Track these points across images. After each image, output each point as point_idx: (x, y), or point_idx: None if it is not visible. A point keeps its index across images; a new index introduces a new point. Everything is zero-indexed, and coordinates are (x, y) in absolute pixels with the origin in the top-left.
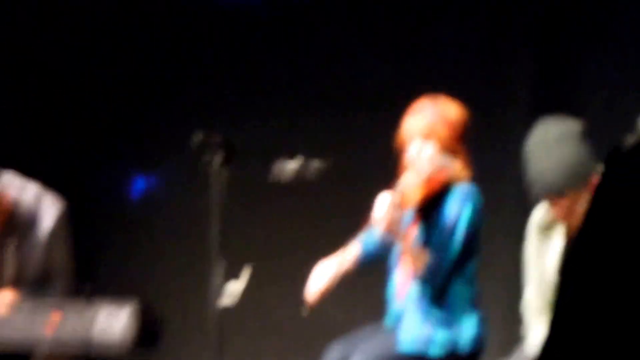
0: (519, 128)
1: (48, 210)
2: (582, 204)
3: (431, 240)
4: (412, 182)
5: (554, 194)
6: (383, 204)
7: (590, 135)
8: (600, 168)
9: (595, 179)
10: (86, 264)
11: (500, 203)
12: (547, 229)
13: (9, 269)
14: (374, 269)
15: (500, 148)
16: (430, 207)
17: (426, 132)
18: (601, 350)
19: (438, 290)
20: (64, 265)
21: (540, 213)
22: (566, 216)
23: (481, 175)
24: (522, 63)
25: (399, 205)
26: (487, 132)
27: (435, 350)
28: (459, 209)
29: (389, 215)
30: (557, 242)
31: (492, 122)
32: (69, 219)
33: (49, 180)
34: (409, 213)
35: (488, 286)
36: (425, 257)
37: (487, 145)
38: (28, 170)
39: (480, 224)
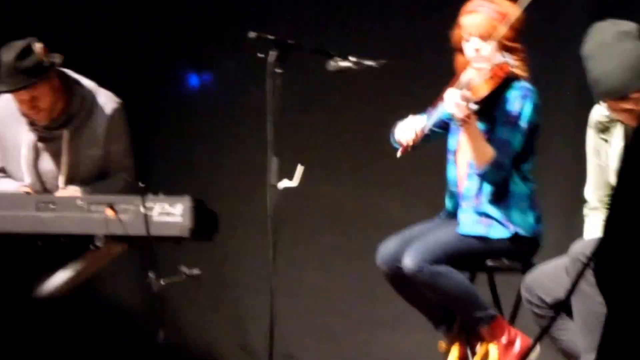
0: (576, 27)
1: (104, 105)
2: None
3: (493, 136)
4: (476, 78)
5: (618, 96)
6: (452, 99)
7: None
8: None
9: None
10: (142, 162)
11: (558, 101)
12: (605, 129)
13: (64, 161)
14: (430, 169)
15: (558, 46)
16: (490, 104)
17: (484, 30)
18: None
19: (497, 186)
20: (123, 161)
21: (598, 112)
22: (631, 119)
23: (539, 74)
24: None
25: (470, 98)
26: (545, 30)
27: (496, 232)
28: (520, 106)
29: (463, 107)
30: (617, 142)
31: (549, 20)
32: (126, 117)
33: (105, 79)
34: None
35: (547, 186)
36: (490, 152)
37: (545, 44)
38: (84, 69)
39: (539, 122)
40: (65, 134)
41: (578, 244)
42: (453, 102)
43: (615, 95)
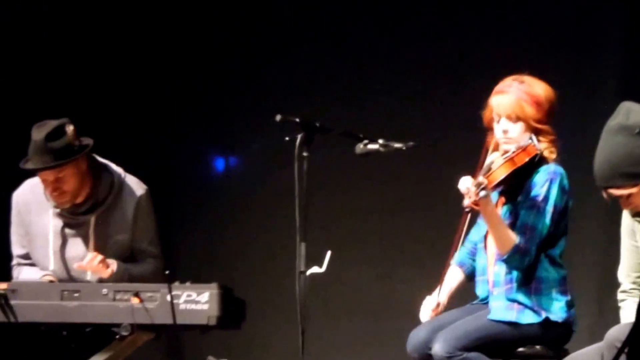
0: (608, 105)
1: (131, 191)
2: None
3: (518, 221)
4: (497, 161)
5: (601, 186)
6: (468, 185)
7: None
8: None
9: None
10: (169, 247)
11: (591, 185)
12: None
13: (91, 247)
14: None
15: (589, 131)
16: (516, 187)
17: (511, 111)
18: None
19: (525, 272)
20: (151, 249)
21: None
22: (628, 207)
23: (571, 157)
24: (611, 48)
25: (486, 185)
26: (576, 115)
27: (527, 318)
28: (547, 190)
29: (476, 194)
30: None
31: (581, 105)
32: (152, 203)
33: (132, 163)
34: (494, 194)
35: (580, 270)
36: (512, 238)
37: (577, 128)
38: (111, 154)
39: (568, 204)
40: (92, 219)
41: (614, 329)
42: (464, 187)
43: (597, 184)
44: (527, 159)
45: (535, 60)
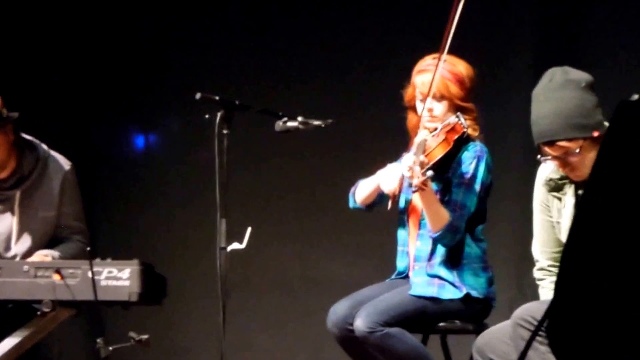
0: (522, 84)
1: (57, 167)
2: (582, 156)
3: (448, 198)
4: (431, 140)
5: (544, 141)
6: (410, 165)
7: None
8: (604, 123)
9: (597, 133)
10: (90, 225)
11: (506, 161)
12: (558, 187)
13: (16, 222)
14: (379, 229)
15: (505, 105)
16: (442, 164)
17: (436, 89)
18: (605, 308)
19: (450, 248)
20: (77, 224)
21: (547, 170)
22: (566, 169)
23: (487, 133)
24: (525, 19)
25: (427, 165)
26: (491, 89)
27: (448, 293)
28: (474, 167)
29: (420, 175)
30: (569, 199)
31: (495, 78)
32: (77, 180)
33: (52, 140)
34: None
35: (498, 245)
36: (446, 215)
37: (490, 105)
38: (31, 132)
39: (491, 182)
40: (18, 194)
41: (521, 308)
42: (409, 169)
43: (541, 140)
44: (456, 137)
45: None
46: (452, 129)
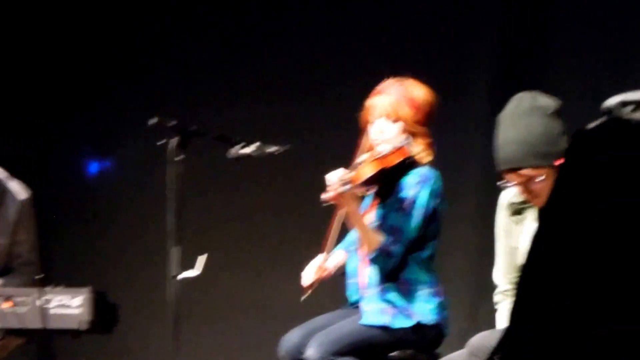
0: (479, 111)
1: (15, 193)
2: (545, 184)
3: (387, 222)
4: (366, 159)
5: (508, 167)
6: (332, 179)
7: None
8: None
9: (559, 160)
10: (43, 250)
11: (464, 188)
12: (518, 211)
13: None
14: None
15: (462, 132)
16: (387, 189)
17: (390, 111)
18: (563, 329)
19: (391, 273)
20: (29, 255)
21: (509, 194)
22: (528, 195)
23: (442, 160)
24: (484, 46)
25: (350, 180)
26: (448, 116)
27: (399, 322)
28: (415, 191)
29: (337, 188)
30: (530, 224)
31: (453, 105)
32: (34, 209)
33: (6, 165)
34: (368, 196)
35: (452, 274)
36: (378, 239)
37: (447, 131)
38: None
39: (438, 207)
40: None
41: (476, 337)
42: (329, 180)
43: (505, 167)
44: (397, 161)
45: (409, 61)
46: (395, 152)
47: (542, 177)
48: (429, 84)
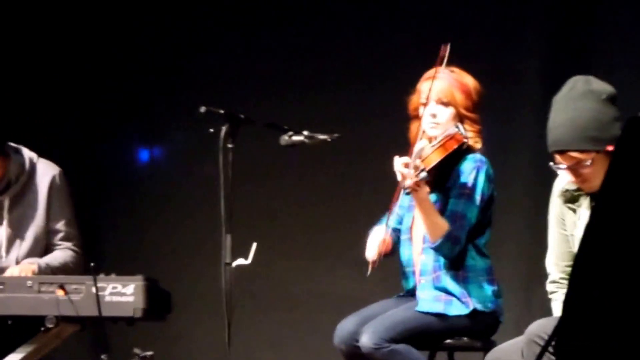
0: (530, 97)
1: (44, 172)
2: (595, 169)
3: (447, 209)
4: (428, 147)
5: (556, 149)
6: (403, 167)
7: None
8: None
9: (611, 147)
10: (94, 240)
11: (515, 174)
12: (573, 198)
13: (4, 230)
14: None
15: (512, 119)
16: (442, 176)
17: (442, 95)
18: (616, 317)
19: (453, 260)
20: (68, 230)
21: (563, 181)
22: (577, 179)
23: (493, 149)
24: (534, 31)
25: (423, 168)
26: (499, 102)
27: (454, 309)
28: (474, 178)
29: (414, 177)
30: (584, 212)
31: (503, 91)
32: (68, 185)
33: (56, 154)
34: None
35: (505, 261)
36: (444, 226)
37: (498, 120)
38: (31, 143)
39: (493, 194)
40: (6, 201)
41: (534, 324)
42: (401, 171)
43: (554, 148)
44: (455, 146)
45: (457, 51)
46: (452, 138)
47: (590, 162)
48: (479, 69)
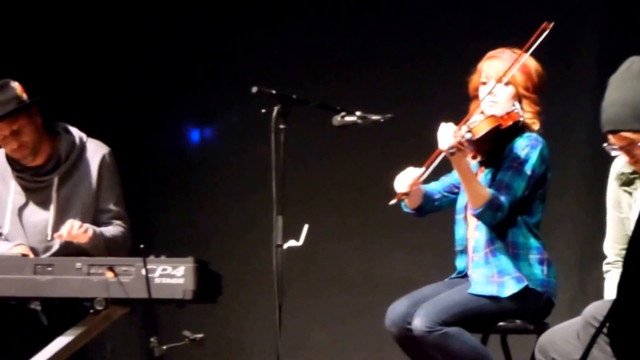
0: (588, 80)
1: (93, 151)
2: None
3: (496, 179)
4: (479, 117)
5: (609, 129)
6: (446, 130)
7: None
8: None
9: None
10: (144, 220)
11: (571, 156)
12: (629, 181)
13: (54, 208)
14: (439, 227)
15: (571, 102)
16: (496, 154)
17: (502, 74)
18: None
19: (502, 232)
20: (116, 210)
21: (620, 164)
22: (632, 160)
23: (552, 127)
24: (591, 13)
25: (470, 130)
26: (557, 85)
27: (508, 289)
28: (526, 153)
29: (459, 136)
30: (639, 197)
31: (562, 75)
32: (116, 165)
33: (107, 135)
34: (474, 164)
35: (560, 243)
36: (486, 193)
37: (558, 97)
38: (81, 123)
39: (546, 174)
40: (55, 179)
41: (592, 306)
42: (446, 133)
43: (606, 128)
44: (510, 123)
45: (515, 27)
46: (508, 115)
47: None
48: (536, 55)
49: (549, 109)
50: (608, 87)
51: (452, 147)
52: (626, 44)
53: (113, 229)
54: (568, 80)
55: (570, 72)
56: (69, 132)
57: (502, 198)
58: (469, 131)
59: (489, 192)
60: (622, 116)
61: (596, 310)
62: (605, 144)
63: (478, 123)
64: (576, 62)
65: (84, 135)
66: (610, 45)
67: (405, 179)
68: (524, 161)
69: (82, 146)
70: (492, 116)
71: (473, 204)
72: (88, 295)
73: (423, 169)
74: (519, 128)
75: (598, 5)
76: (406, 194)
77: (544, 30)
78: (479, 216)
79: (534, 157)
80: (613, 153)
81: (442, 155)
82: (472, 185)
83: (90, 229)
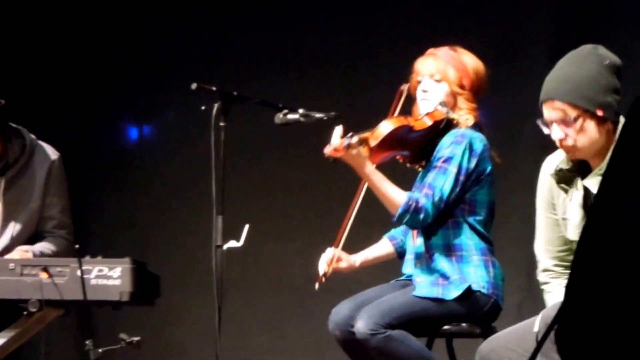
0: (539, 75)
1: (43, 156)
2: (582, 132)
3: (422, 181)
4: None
5: (545, 98)
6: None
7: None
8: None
9: (601, 112)
10: (80, 220)
11: (522, 153)
12: (566, 178)
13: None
14: (384, 228)
15: (520, 97)
16: (429, 153)
17: (435, 71)
18: (621, 311)
19: (442, 237)
20: (62, 218)
21: (556, 161)
22: (564, 142)
23: (503, 123)
24: (543, 7)
25: (358, 136)
26: (508, 81)
27: (451, 291)
28: (450, 150)
29: (338, 143)
30: (577, 194)
31: (512, 70)
32: (65, 172)
33: (43, 131)
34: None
35: (507, 244)
36: (399, 196)
37: (508, 95)
38: (22, 122)
39: (480, 168)
40: (2, 183)
41: (550, 307)
42: (334, 135)
43: (543, 97)
44: (430, 122)
45: (466, 22)
46: (428, 115)
47: (575, 116)
48: (486, 50)
49: (500, 104)
50: (556, 65)
51: (326, 154)
52: (579, 43)
53: (55, 244)
54: (518, 76)
55: (522, 67)
56: (20, 136)
57: (423, 200)
58: (351, 136)
59: (405, 195)
60: (561, 89)
61: (553, 312)
62: (538, 121)
63: (379, 125)
64: (528, 55)
65: (34, 139)
66: (562, 41)
67: (323, 262)
68: (448, 159)
69: (32, 150)
70: (397, 117)
71: (390, 208)
72: (21, 297)
73: (332, 249)
74: (449, 126)
75: (550, 2)
76: (324, 275)
77: (402, 93)
78: (399, 220)
79: (458, 153)
80: (545, 131)
81: (359, 202)
82: (382, 191)
83: (29, 253)
